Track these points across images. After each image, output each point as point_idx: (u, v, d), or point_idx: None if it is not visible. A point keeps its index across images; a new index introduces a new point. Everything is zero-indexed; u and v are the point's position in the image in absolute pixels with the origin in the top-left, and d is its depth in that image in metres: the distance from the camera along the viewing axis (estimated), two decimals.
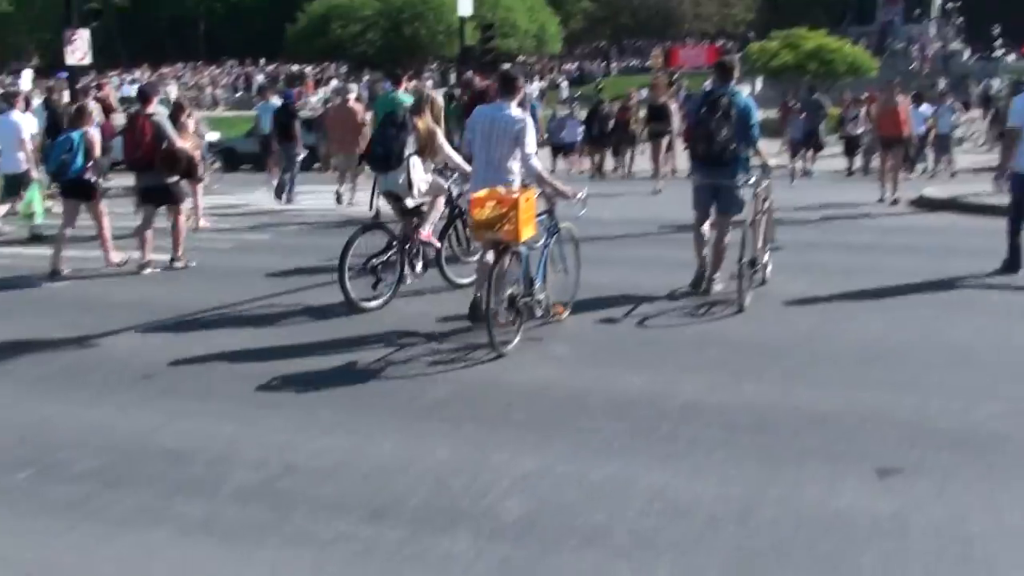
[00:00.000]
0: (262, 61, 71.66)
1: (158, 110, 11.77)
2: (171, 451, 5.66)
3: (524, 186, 8.10)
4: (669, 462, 5.31)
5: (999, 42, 57.03)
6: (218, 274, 11.25)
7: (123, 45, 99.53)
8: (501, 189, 7.83)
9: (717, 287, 9.29)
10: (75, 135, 11.33)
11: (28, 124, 13.77)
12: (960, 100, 33.49)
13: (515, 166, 8.15)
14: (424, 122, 9.42)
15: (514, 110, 8.23)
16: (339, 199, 16.70)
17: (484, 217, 7.62)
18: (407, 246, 9.27)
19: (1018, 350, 7.40)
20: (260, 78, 60.35)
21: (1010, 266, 10.15)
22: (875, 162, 19.93)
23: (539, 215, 8.02)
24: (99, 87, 23.01)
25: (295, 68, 64.93)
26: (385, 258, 9.00)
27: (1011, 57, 55.64)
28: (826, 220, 14.37)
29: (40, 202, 13.97)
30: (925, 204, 16.01)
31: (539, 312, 8.01)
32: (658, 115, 20.08)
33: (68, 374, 7.36)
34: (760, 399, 6.30)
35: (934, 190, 16.94)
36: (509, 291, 7.57)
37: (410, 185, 9.18)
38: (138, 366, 7.42)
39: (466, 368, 7.16)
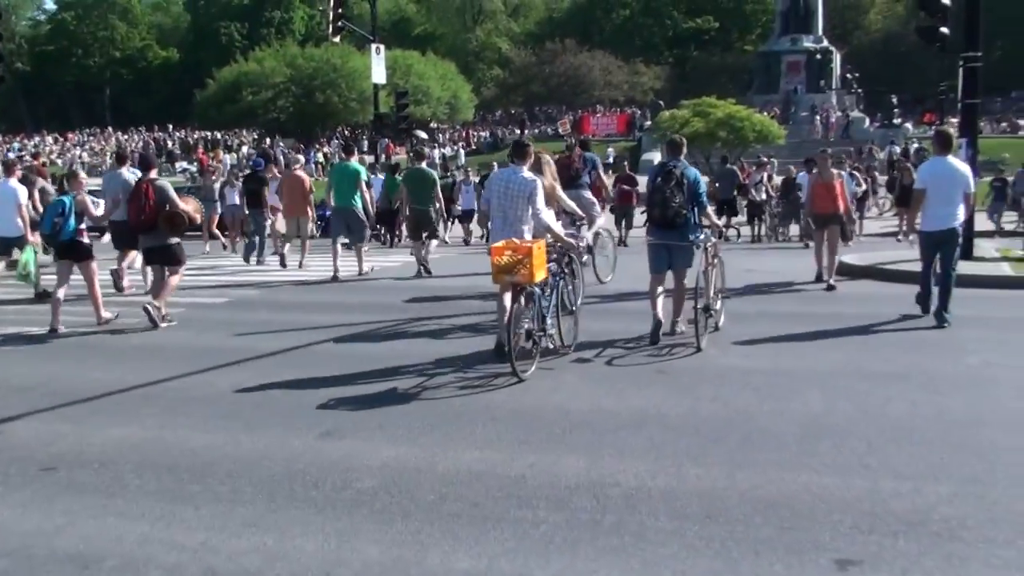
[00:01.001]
0: (169, 127, 70.62)
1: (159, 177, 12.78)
2: (75, 556, 5.16)
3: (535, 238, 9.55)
4: (617, 558, 4.98)
5: (897, 110, 59.04)
6: (130, 350, 10.70)
7: (27, 110, 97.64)
8: (516, 240, 9.19)
9: (680, 328, 10.60)
10: (67, 199, 12.15)
11: (24, 192, 14.72)
12: (865, 165, 34.46)
13: (528, 220, 9.61)
14: (547, 180, 10.88)
15: (526, 173, 9.76)
16: (283, 262, 18.52)
17: (503, 263, 8.86)
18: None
19: (957, 425, 7.26)
20: (171, 144, 59.37)
21: (923, 308, 11.77)
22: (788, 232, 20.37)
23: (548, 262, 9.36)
24: (34, 156, 22.68)
25: (206, 134, 64.05)
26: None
27: (909, 125, 57.58)
28: (752, 289, 14.30)
29: (35, 263, 14.42)
30: (844, 272, 16.08)
31: (551, 345, 9.44)
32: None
33: None
34: (706, 483, 6.01)
35: (852, 258, 17.03)
36: (526, 326, 8.86)
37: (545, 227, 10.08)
38: (40, 457, 6.87)
39: (393, 455, 6.75)
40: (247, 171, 20.42)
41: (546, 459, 6.55)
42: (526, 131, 67.48)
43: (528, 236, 9.54)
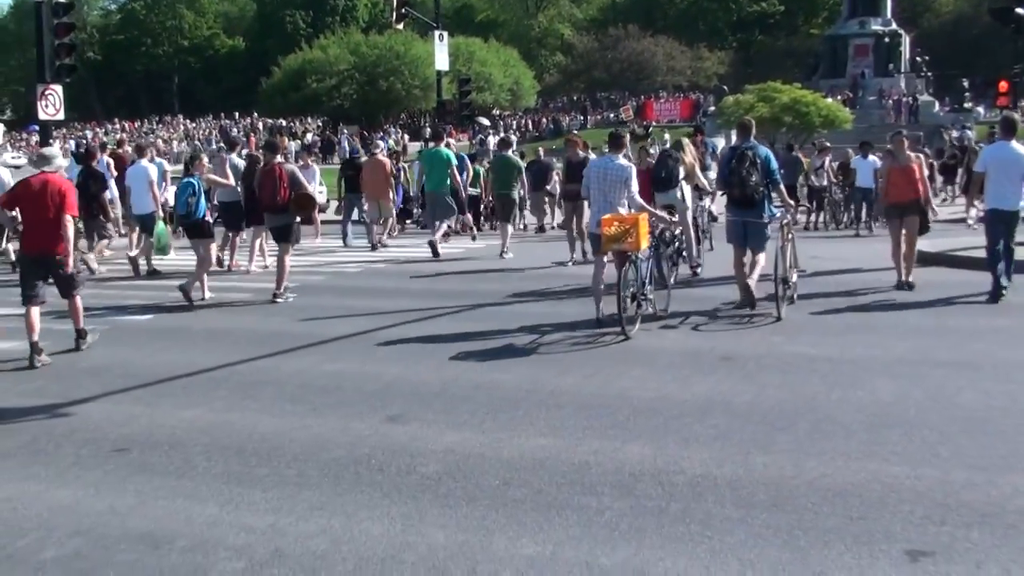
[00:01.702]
0: (236, 115, 71.45)
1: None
2: (146, 535, 5.24)
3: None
4: (683, 546, 4.94)
5: (968, 94, 57.72)
6: (202, 335, 10.86)
7: (98, 99, 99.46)
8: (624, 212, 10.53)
9: (754, 289, 11.30)
10: (194, 180, 13.48)
11: (155, 171, 16.33)
12: (935, 148, 33.57)
13: (623, 202, 10.72)
14: (688, 159, 14.41)
15: (621, 160, 10.96)
16: (373, 247, 18.95)
17: (612, 233, 10.14)
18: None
19: None
20: (236, 131, 60.04)
21: (993, 297, 11.89)
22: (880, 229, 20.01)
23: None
24: (119, 144, 23.56)
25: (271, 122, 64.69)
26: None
27: (980, 108, 56.27)
28: (818, 275, 14.08)
29: (168, 235, 16.41)
30: (917, 259, 15.78)
31: (650, 309, 10.59)
32: (576, 174, 14.43)
33: (33, 448, 6.90)
34: (772, 472, 5.94)
35: (923, 244, 16.69)
36: (631, 290, 10.06)
37: (682, 198, 13.84)
38: (113, 438, 7.00)
39: (457, 440, 6.77)
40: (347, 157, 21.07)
41: (610, 446, 6.52)
42: (589, 117, 67.28)
43: (624, 213, 10.64)
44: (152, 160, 17.61)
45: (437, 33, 32.28)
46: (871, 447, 6.37)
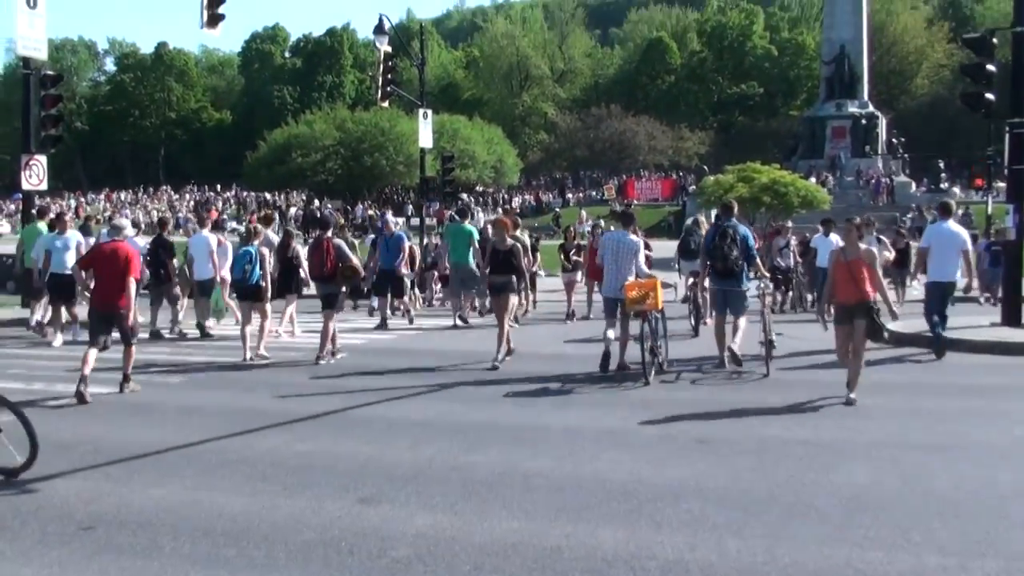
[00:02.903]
0: (218, 187, 71.81)
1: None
2: None
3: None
4: None
5: (945, 175, 58.49)
6: (174, 411, 10.75)
7: (83, 168, 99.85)
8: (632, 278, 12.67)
9: (737, 351, 12.80)
10: (252, 249, 14.72)
11: (215, 240, 17.60)
12: (909, 228, 33.75)
13: (633, 270, 12.81)
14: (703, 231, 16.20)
15: (632, 236, 13.16)
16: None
17: (635, 296, 12.27)
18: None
19: (1004, 498, 7.08)
20: (220, 204, 60.21)
21: (937, 354, 14.02)
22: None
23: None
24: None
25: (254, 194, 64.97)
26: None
27: (956, 189, 56.95)
28: (789, 355, 14.12)
29: (223, 299, 17.86)
30: (892, 340, 15.86)
31: (661, 358, 12.62)
32: (502, 264, 14.32)
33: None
34: (745, 557, 5.88)
35: (896, 325, 16.80)
36: (648, 343, 12.07)
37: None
38: (80, 516, 6.88)
39: (429, 523, 6.68)
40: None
41: (583, 529, 6.45)
42: (568, 196, 67.81)
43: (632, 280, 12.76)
44: (212, 231, 19.34)
45: (421, 111, 32.57)
46: (845, 531, 6.32)
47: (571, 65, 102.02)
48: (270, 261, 15.91)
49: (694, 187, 55.64)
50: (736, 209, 13.62)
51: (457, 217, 21.33)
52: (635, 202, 56.06)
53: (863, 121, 60.31)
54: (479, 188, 72.11)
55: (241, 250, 15.10)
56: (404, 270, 19.34)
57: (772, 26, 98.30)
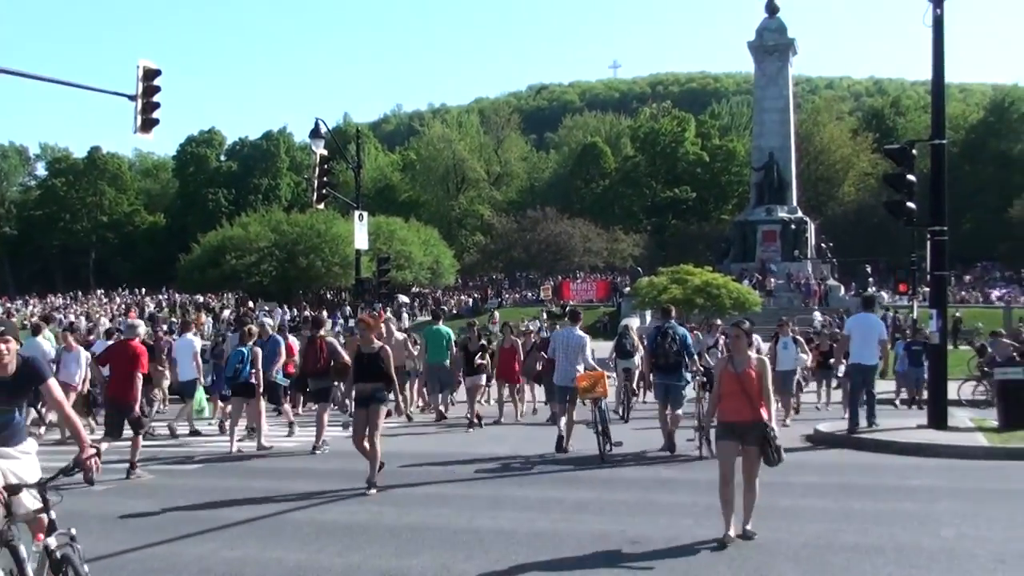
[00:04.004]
0: (143, 290, 71.16)
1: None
2: None
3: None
4: None
5: (872, 279, 59.78)
6: (97, 520, 10.46)
7: (11, 273, 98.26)
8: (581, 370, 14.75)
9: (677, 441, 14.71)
10: (244, 349, 16.11)
11: (198, 344, 18.24)
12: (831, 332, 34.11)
13: (580, 362, 14.84)
14: (634, 336, 20.74)
15: (578, 331, 15.28)
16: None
17: (585, 385, 14.45)
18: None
19: None
20: (151, 307, 59.56)
21: (852, 428, 16.16)
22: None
23: None
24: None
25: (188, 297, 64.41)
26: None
27: (884, 293, 57.79)
28: None
29: (204, 400, 18.97)
30: (819, 440, 16.12)
31: (609, 444, 14.49)
32: (369, 368, 12.24)
33: None
34: None
35: (825, 426, 17.09)
36: (600, 428, 14.25)
37: (639, 363, 19.89)
38: None
39: None
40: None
41: None
42: (504, 295, 68.21)
43: (582, 371, 14.76)
44: (194, 335, 20.30)
45: (357, 213, 32.78)
46: None
47: (507, 168, 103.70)
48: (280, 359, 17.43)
49: (628, 288, 56.31)
50: (674, 312, 16.10)
51: (434, 319, 22.21)
52: (570, 303, 56.44)
53: (792, 226, 61.73)
54: (415, 289, 72.26)
55: (234, 350, 16.46)
56: (277, 377, 17.67)
57: (703, 133, 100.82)
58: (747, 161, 78.13)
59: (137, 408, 13.40)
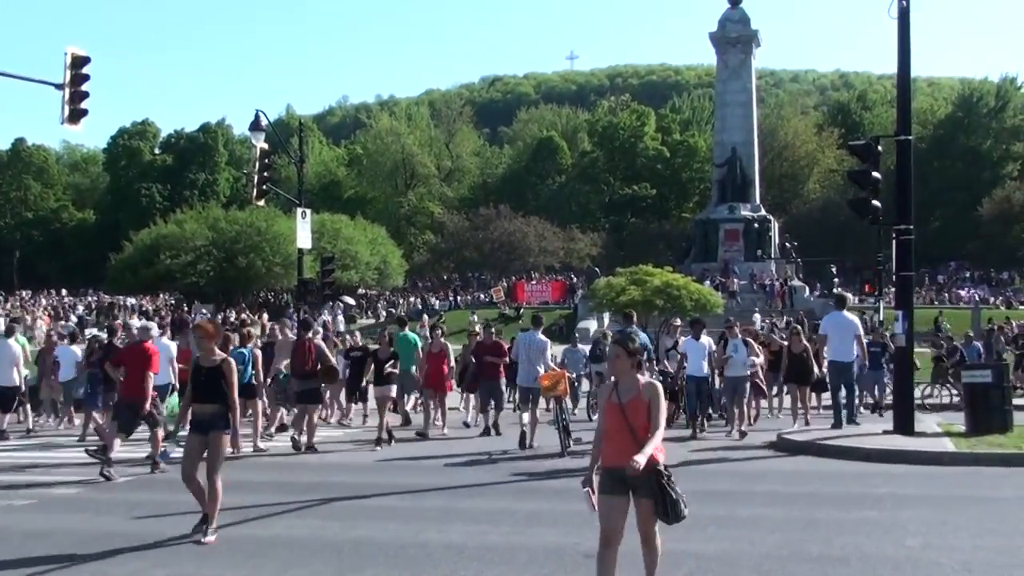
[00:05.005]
0: (63, 292, 70.28)
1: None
2: None
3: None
4: None
5: (837, 280, 60.08)
6: (19, 537, 10.29)
7: None
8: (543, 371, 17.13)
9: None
10: (245, 351, 17.28)
11: (174, 348, 18.12)
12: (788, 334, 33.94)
13: (542, 364, 17.22)
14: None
15: (540, 336, 17.60)
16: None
17: (548, 384, 16.63)
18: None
19: None
20: (80, 308, 58.78)
21: (835, 424, 17.88)
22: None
23: None
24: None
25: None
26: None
27: (849, 294, 58.07)
28: (684, 466, 14.31)
29: (176, 405, 18.17)
30: (782, 448, 16.28)
31: (570, 441, 16.22)
32: (208, 385, 10.46)
33: None
34: None
35: (797, 434, 17.27)
36: (562, 423, 16.20)
37: None
38: None
39: None
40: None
41: None
42: (458, 296, 68.15)
43: (543, 372, 17.06)
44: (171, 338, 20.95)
45: (300, 210, 32.51)
46: None
47: (458, 164, 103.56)
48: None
49: (585, 289, 56.48)
50: (635, 317, 18.13)
51: (399, 326, 22.45)
52: (524, 305, 56.50)
53: (756, 224, 62.31)
54: (361, 290, 71.96)
55: (235, 350, 16.39)
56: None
57: (664, 127, 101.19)
58: (709, 157, 78.80)
59: (148, 405, 14.54)
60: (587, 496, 7.18)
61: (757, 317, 46.03)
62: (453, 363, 21.45)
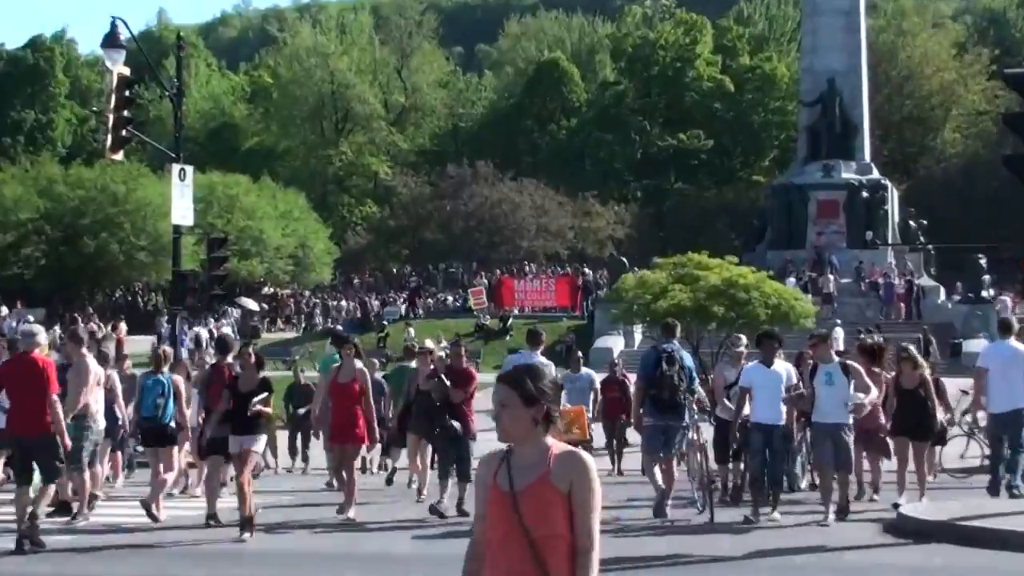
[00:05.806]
0: None
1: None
2: None
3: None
4: None
5: (988, 277, 57.64)
6: None
7: None
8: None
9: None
10: (164, 379, 17.96)
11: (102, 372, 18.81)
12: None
13: None
14: None
15: (539, 357, 17.83)
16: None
17: (562, 427, 14.28)
18: None
19: None
20: None
21: (992, 491, 17.96)
22: None
23: None
24: None
25: None
26: None
27: (1006, 297, 55.32)
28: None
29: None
30: (910, 532, 16.15)
31: None
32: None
33: None
34: None
35: (915, 509, 17.15)
36: None
37: None
38: None
39: None
40: None
41: None
42: (418, 301, 67.42)
43: None
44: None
45: (177, 167, 32.11)
46: None
47: (416, 100, 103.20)
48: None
49: (606, 290, 56.06)
50: (678, 331, 18.10)
51: (336, 345, 22.50)
52: (515, 312, 56.30)
53: (864, 193, 61.70)
54: (269, 289, 71.76)
55: (153, 378, 18.01)
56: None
57: (725, 47, 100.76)
58: (794, 92, 78.47)
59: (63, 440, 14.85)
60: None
61: (839, 332, 41.92)
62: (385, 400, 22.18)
